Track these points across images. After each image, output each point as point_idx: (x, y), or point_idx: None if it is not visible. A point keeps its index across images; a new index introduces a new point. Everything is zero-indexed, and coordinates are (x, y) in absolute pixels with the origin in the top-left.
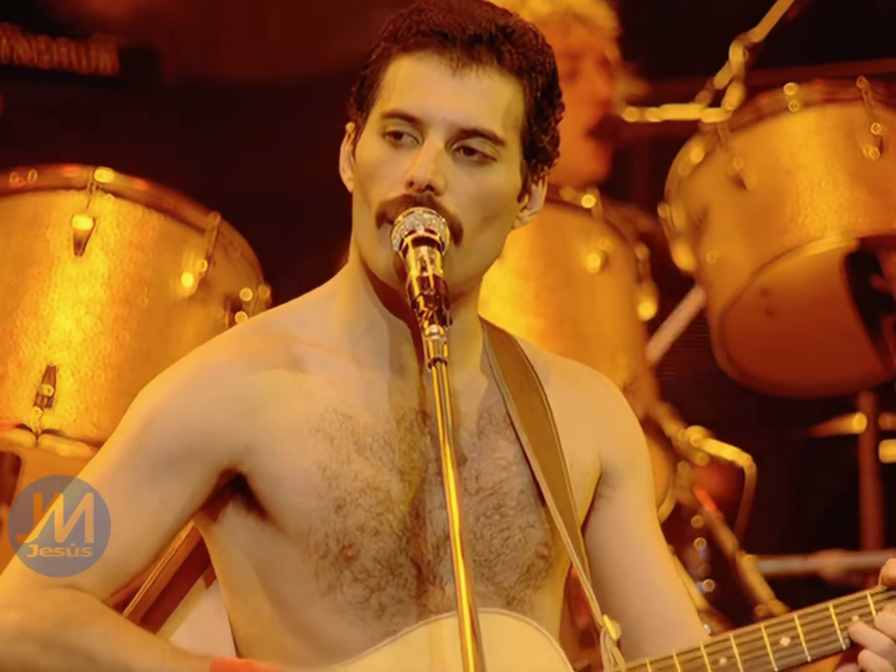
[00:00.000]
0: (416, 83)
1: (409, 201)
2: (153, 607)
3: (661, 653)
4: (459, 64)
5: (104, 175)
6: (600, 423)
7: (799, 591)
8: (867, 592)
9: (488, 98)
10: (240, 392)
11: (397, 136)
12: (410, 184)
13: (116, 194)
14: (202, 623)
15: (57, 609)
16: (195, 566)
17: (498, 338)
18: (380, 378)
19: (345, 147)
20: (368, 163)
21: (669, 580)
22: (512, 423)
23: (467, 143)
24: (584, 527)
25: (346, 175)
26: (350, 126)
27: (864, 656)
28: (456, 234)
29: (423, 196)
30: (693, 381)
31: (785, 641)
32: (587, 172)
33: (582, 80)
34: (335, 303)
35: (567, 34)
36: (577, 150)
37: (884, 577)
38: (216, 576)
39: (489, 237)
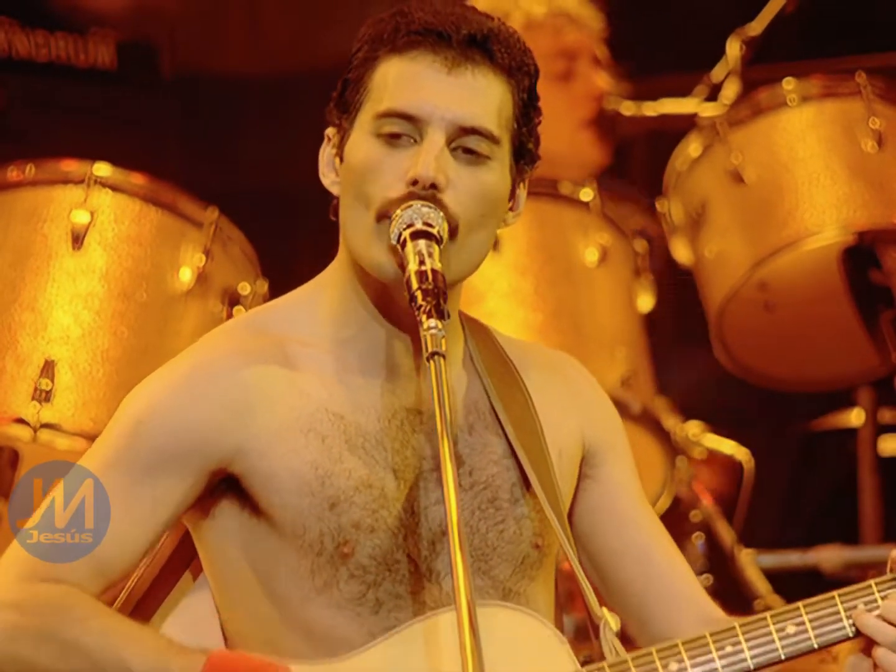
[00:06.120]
0: (411, 82)
1: (411, 199)
2: (141, 603)
3: (670, 630)
4: (454, 63)
5: (102, 169)
6: (578, 406)
7: (797, 586)
8: (871, 582)
9: (485, 97)
10: (230, 391)
11: (395, 135)
12: (413, 182)
13: (114, 188)
14: (191, 617)
15: (51, 605)
16: (181, 560)
17: (476, 329)
18: (370, 377)
19: (325, 151)
20: (363, 163)
21: (668, 553)
22: (497, 417)
23: (465, 142)
24: (572, 510)
25: (329, 179)
26: (331, 130)
27: (878, 653)
28: (452, 230)
29: (427, 194)
30: (691, 376)
31: (791, 629)
32: (591, 162)
33: (578, 79)
34: (322, 302)
35: (561, 34)
36: (578, 142)
37: (893, 560)
38: (203, 570)
39: (483, 236)
